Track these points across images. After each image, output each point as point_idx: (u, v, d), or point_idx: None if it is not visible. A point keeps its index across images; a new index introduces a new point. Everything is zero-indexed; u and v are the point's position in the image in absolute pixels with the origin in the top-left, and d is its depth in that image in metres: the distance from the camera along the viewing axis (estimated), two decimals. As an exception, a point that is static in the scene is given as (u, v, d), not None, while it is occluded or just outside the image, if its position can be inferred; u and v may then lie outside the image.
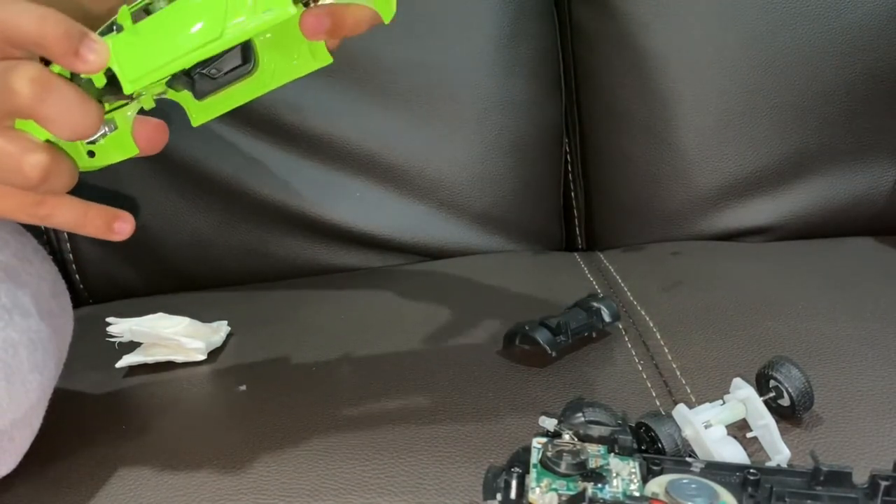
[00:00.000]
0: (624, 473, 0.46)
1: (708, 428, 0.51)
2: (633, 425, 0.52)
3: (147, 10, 0.45)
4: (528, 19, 0.85)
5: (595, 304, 0.65)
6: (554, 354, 0.62)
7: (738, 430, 0.53)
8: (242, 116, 0.81)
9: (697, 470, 0.47)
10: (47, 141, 0.46)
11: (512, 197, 0.86)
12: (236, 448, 0.56)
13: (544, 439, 0.48)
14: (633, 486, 0.45)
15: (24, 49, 0.44)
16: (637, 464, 0.47)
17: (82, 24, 0.44)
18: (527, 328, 0.62)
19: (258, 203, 0.82)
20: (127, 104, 0.48)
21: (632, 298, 0.73)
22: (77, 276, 0.86)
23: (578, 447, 0.47)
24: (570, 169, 0.91)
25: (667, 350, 0.64)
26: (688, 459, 0.48)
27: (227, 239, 0.83)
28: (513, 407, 0.58)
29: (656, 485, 0.45)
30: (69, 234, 0.85)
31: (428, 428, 0.57)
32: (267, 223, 0.83)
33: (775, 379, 0.54)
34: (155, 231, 0.83)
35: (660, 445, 0.50)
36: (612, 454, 0.48)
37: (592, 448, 0.48)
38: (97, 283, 0.86)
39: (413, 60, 0.83)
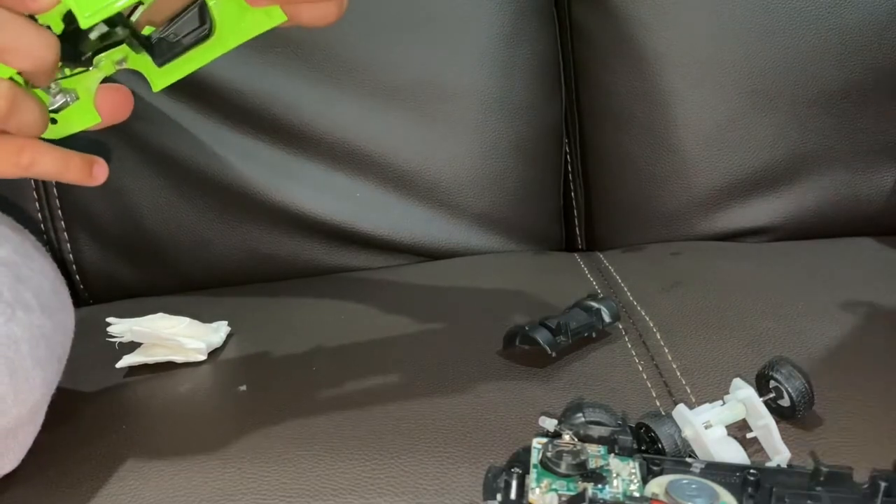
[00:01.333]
0: (624, 474, 0.46)
1: (708, 428, 0.51)
2: (633, 426, 0.52)
3: None
4: (527, 19, 0.85)
5: (595, 305, 0.65)
6: (554, 355, 0.62)
7: (738, 430, 0.53)
8: (242, 117, 0.81)
9: (697, 470, 0.47)
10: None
11: (512, 197, 0.86)
12: (236, 448, 0.56)
13: (544, 440, 0.48)
14: (633, 487, 0.45)
15: None
16: (637, 464, 0.47)
17: None
18: (527, 328, 0.62)
19: (258, 203, 0.82)
20: (87, 71, 0.48)
21: (632, 299, 0.73)
22: (77, 277, 0.86)
23: (578, 447, 0.47)
24: (569, 169, 0.91)
25: (667, 350, 0.64)
26: (688, 460, 0.48)
27: (227, 239, 0.83)
28: (512, 407, 0.58)
29: (656, 485, 0.45)
30: (69, 234, 0.85)
31: (428, 428, 0.57)
32: (267, 223, 0.83)
33: (775, 379, 0.54)
34: (155, 231, 0.83)
35: (660, 446, 0.50)
36: (612, 454, 0.48)
37: (592, 448, 0.48)
38: (97, 283, 0.86)
39: (413, 61, 0.83)
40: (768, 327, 0.66)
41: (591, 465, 0.46)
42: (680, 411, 0.52)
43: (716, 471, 0.47)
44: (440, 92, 0.83)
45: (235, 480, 0.53)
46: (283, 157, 0.82)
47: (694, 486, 0.44)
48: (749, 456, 0.51)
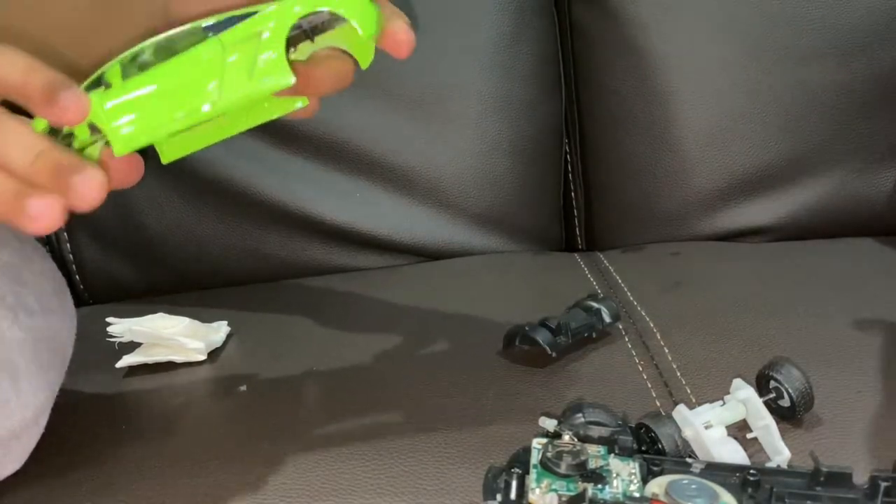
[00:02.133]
0: (624, 474, 0.46)
1: (708, 429, 0.51)
2: (634, 426, 0.52)
3: (138, 63, 0.44)
4: (528, 19, 0.85)
5: (595, 305, 0.65)
6: (554, 355, 0.62)
7: (739, 430, 0.53)
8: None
9: (697, 470, 0.47)
10: None
11: (512, 197, 0.86)
12: (236, 448, 0.56)
13: (544, 440, 0.48)
14: (633, 487, 0.45)
15: (6, 96, 0.43)
16: (637, 464, 0.47)
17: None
18: (527, 329, 0.62)
19: (258, 203, 0.82)
20: (97, 141, 0.46)
21: (632, 299, 0.73)
22: (77, 277, 0.86)
23: (578, 448, 0.47)
24: (569, 169, 0.91)
25: (667, 350, 0.64)
26: (687, 460, 0.48)
27: (227, 239, 0.83)
28: (512, 407, 0.58)
29: (656, 485, 0.45)
30: (69, 234, 0.85)
31: (428, 429, 0.56)
32: (267, 223, 0.83)
33: (775, 380, 0.54)
34: (155, 231, 0.83)
35: (660, 446, 0.50)
36: (612, 455, 0.48)
37: (592, 449, 0.48)
38: (97, 283, 0.86)
39: (413, 60, 0.82)
40: (768, 327, 0.66)
41: (591, 465, 0.46)
42: (680, 411, 0.52)
43: (716, 471, 0.47)
44: (440, 92, 0.83)
45: (235, 481, 0.53)
46: (282, 157, 0.82)
47: (694, 486, 0.44)
48: (749, 456, 0.51)
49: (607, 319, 0.65)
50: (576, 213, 0.92)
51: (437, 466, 0.53)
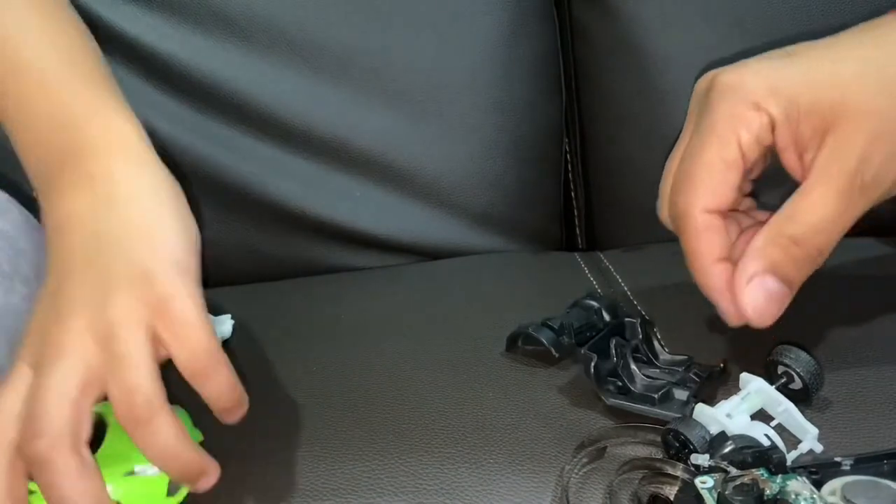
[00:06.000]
0: (805, 493, 0.44)
1: (731, 419, 0.51)
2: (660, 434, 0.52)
3: None
4: (527, 19, 0.85)
5: (595, 304, 0.65)
6: (557, 356, 0.62)
7: (763, 420, 0.53)
8: (242, 116, 0.81)
9: (848, 467, 0.46)
10: None
11: (512, 197, 0.86)
12: (235, 448, 0.55)
13: (707, 479, 0.46)
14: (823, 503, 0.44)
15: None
16: (805, 478, 0.45)
17: None
18: (530, 329, 0.62)
19: (257, 203, 0.82)
20: None
21: (632, 299, 0.72)
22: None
23: (749, 480, 0.45)
24: (570, 169, 0.91)
25: (667, 351, 0.64)
26: (836, 459, 0.47)
27: (226, 239, 0.83)
28: (514, 407, 0.58)
29: (829, 493, 0.44)
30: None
31: (428, 428, 0.56)
32: (266, 223, 0.83)
33: (784, 364, 0.55)
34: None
35: (691, 448, 0.50)
36: (780, 476, 0.46)
37: (754, 475, 0.46)
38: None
39: (412, 60, 0.83)
40: (769, 327, 0.65)
41: (769, 492, 0.44)
42: (702, 410, 0.52)
43: (865, 464, 0.46)
44: (440, 91, 0.83)
45: (235, 480, 0.52)
46: (282, 156, 0.82)
47: (862, 485, 0.44)
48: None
49: (607, 318, 0.65)
50: (576, 213, 0.91)
51: (437, 466, 0.53)
